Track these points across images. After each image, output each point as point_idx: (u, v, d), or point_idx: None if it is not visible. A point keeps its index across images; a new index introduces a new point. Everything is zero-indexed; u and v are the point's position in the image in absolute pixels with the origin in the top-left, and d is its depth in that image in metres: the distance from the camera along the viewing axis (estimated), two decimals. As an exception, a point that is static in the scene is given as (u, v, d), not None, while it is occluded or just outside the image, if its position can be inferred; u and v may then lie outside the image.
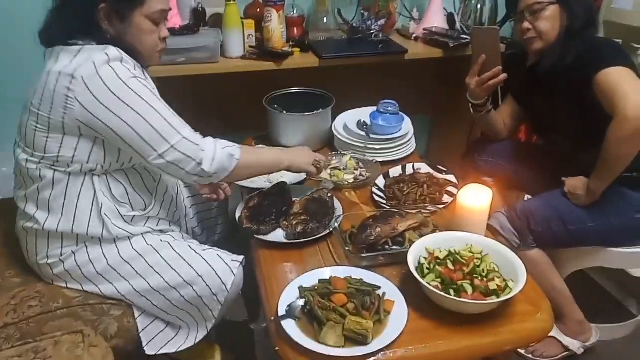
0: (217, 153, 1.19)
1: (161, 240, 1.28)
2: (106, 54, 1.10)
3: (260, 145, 1.78)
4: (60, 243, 1.22)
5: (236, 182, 1.47)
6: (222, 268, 1.24)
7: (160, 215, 1.34)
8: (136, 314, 1.26)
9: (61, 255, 1.22)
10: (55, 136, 1.14)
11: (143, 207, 1.29)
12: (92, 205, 1.20)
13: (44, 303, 1.19)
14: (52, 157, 1.16)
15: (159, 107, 1.15)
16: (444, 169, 1.65)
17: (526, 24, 1.54)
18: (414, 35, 2.22)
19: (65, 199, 1.19)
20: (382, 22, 2.15)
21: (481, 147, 1.89)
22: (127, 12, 1.15)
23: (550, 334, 1.43)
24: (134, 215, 1.26)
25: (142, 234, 1.27)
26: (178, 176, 1.21)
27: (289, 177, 1.61)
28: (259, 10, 2.05)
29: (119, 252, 1.24)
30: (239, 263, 1.27)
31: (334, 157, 1.69)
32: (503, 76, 1.58)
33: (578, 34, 1.48)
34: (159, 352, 1.27)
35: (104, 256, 1.23)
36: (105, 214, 1.21)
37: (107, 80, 1.08)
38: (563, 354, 1.64)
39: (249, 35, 1.99)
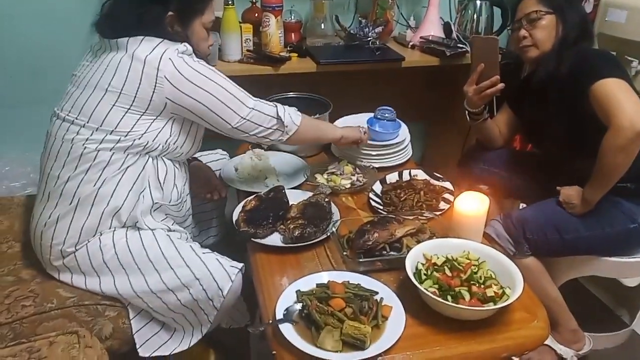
0: (286, 109, 1.37)
1: (166, 237, 1.28)
2: (185, 46, 1.23)
3: (260, 151, 1.77)
4: (79, 233, 1.24)
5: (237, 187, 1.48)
6: (220, 273, 1.23)
7: (179, 212, 1.37)
8: (131, 315, 1.25)
9: (78, 242, 1.24)
10: (136, 113, 1.21)
11: (170, 201, 1.33)
12: (135, 182, 1.25)
13: (38, 303, 1.18)
14: (121, 132, 1.21)
15: (228, 86, 1.28)
16: (440, 176, 1.66)
17: (523, 32, 1.57)
18: (410, 43, 2.24)
19: (113, 175, 1.23)
20: (379, 29, 2.16)
21: (476, 154, 1.90)
22: (190, 20, 1.28)
23: (544, 342, 1.44)
24: (161, 205, 1.30)
25: (152, 229, 1.28)
26: (259, 133, 1.34)
27: (286, 181, 1.61)
28: (256, 15, 2.06)
29: (127, 242, 1.25)
30: (238, 270, 1.26)
31: (331, 162, 1.70)
32: (500, 85, 1.60)
33: (573, 44, 1.52)
34: (153, 355, 1.26)
35: (113, 244, 1.24)
36: (144, 196, 1.26)
37: (189, 62, 1.21)
38: (556, 362, 1.65)
39: (247, 39, 1.99)
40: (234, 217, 1.42)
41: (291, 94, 1.92)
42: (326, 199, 1.47)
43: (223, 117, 1.27)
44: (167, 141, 1.27)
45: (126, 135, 1.21)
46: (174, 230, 1.33)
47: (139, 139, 1.23)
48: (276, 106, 1.36)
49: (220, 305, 1.24)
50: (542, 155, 1.81)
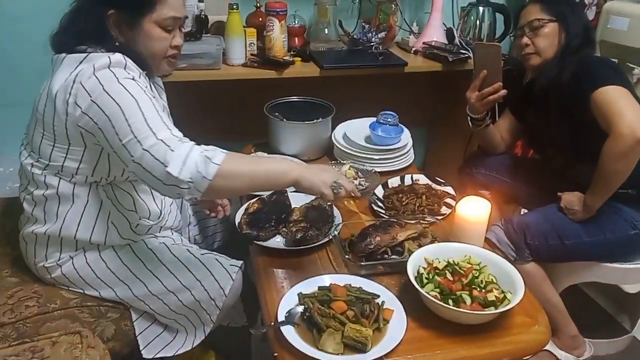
0: (190, 155, 1.00)
1: (160, 244, 1.27)
2: (109, 57, 1.07)
3: (262, 154, 1.76)
4: (59, 248, 1.21)
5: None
6: (220, 273, 1.24)
7: (166, 224, 1.34)
8: (134, 317, 1.25)
9: (59, 259, 1.22)
10: (61, 146, 1.12)
11: (148, 216, 1.28)
12: (99, 213, 1.19)
13: (42, 303, 1.19)
14: (56, 165, 1.14)
15: (145, 106, 1.03)
16: (442, 181, 1.66)
17: (525, 40, 1.58)
18: (413, 49, 2.25)
19: (71, 207, 1.18)
20: (382, 34, 2.17)
21: (478, 160, 1.91)
22: (137, 19, 1.13)
23: (544, 348, 1.44)
24: (139, 224, 1.26)
25: (143, 239, 1.27)
26: (156, 187, 1.03)
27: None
28: (260, 19, 2.07)
29: (118, 256, 1.24)
30: (238, 268, 1.27)
31: (334, 166, 1.70)
32: (503, 92, 1.60)
33: (575, 52, 1.52)
34: (156, 356, 1.26)
35: (103, 260, 1.23)
36: (113, 222, 1.21)
37: (102, 79, 1.04)
38: (557, 368, 1.65)
39: (251, 43, 2.00)
40: (237, 220, 1.42)
41: (294, 98, 1.93)
42: (328, 203, 1.47)
43: (125, 145, 1.01)
44: (110, 174, 1.16)
45: (62, 170, 1.14)
46: (165, 237, 1.33)
47: (76, 174, 1.14)
48: (185, 152, 1.00)
49: (222, 305, 1.24)
50: (544, 161, 1.81)
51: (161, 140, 1.01)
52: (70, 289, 1.25)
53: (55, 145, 1.12)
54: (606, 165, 1.36)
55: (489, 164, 1.86)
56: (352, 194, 1.18)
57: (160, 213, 1.30)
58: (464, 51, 2.12)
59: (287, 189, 1.52)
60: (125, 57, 1.10)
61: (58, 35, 1.15)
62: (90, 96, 1.04)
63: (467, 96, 1.68)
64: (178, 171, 0.98)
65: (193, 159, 1.00)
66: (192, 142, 1.04)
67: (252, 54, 2.00)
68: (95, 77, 1.04)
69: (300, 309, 1.09)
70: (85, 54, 1.09)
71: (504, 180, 1.83)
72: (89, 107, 1.04)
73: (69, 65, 1.09)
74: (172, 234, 1.38)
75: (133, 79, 1.08)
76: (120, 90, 1.04)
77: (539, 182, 1.76)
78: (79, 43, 1.12)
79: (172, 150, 1.00)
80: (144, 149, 1.00)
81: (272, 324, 1.07)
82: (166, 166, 0.99)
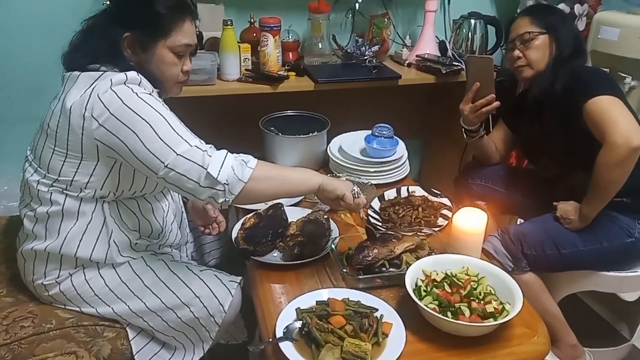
0: (227, 160, 1.09)
1: (158, 260, 1.27)
2: (125, 74, 1.10)
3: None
4: (59, 265, 1.20)
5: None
6: (219, 289, 1.23)
7: (166, 242, 1.34)
8: (130, 335, 1.24)
9: (58, 277, 1.21)
10: (73, 161, 1.13)
11: (149, 234, 1.28)
12: (101, 231, 1.19)
13: (37, 324, 1.17)
14: (65, 180, 1.14)
15: (170, 117, 1.10)
16: (438, 192, 1.67)
17: (517, 52, 1.60)
18: (407, 62, 2.26)
19: (74, 225, 1.17)
20: (375, 48, 2.19)
21: (473, 171, 1.92)
22: (151, 43, 1.16)
23: (545, 358, 1.43)
24: (139, 242, 1.25)
25: (142, 256, 1.26)
26: (190, 191, 1.09)
27: (284, 199, 1.61)
28: (255, 35, 2.09)
29: (117, 273, 1.23)
30: (237, 284, 1.26)
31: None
32: (496, 103, 1.62)
33: (566, 63, 1.54)
34: (154, 375, 1.25)
35: (101, 277, 1.22)
36: (114, 240, 1.20)
37: (120, 94, 1.07)
38: (557, 378, 1.64)
39: (245, 59, 2.01)
40: (233, 235, 1.42)
41: (289, 112, 1.94)
42: (325, 216, 1.47)
43: (154, 152, 1.06)
44: (118, 188, 1.18)
45: (71, 184, 1.14)
46: (164, 253, 1.32)
47: (85, 188, 1.15)
48: (222, 156, 1.09)
49: (221, 321, 1.23)
50: (539, 171, 1.82)
51: (195, 146, 1.08)
52: (66, 307, 1.24)
53: (66, 160, 1.13)
54: (601, 174, 1.37)
55: (484, 175, 1.87)
56: (364, 208, 1.27)
57: (162, 231, 1.30)
58: (456, 63, 2.14)
59: (282, 204, 1.52)
60: (140, 75, 1.13)
61: (70, 54, 1.18)
62: (109, 109, 1.06)
63: (460, 108, 1.69)
64: (217, 172, 1.06)
65: (229, 162, 1.08)
66: (225, 149, 1.12)
67: (246, 69, 2.01)
68: (113, 91, 1.07)
69: (299, 324, 1.08)
70: (100, 72, 1.11)
71: (499, 190, 1.84)
72: (107, 119, 1.07)
73: (83, 83, 1.11)
74: (172, 250, 1.37)
75: (150, 94, 1.12)
76: (141, 104, 1.08)
77: (534, 192, 1.77)
78: (91, 62, 1.14)
79: (210, 155, 1.08)
80: (178, 154, 1.06)
81: (270, 340, 1.07)
82: (206, 168, 1.06)
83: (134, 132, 1.06)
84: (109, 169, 1.14)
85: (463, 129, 1.75)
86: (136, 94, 1.08)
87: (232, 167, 1.08)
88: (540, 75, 1.58)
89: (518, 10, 2.39)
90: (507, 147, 1.86)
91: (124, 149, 1.08)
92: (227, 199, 1.09)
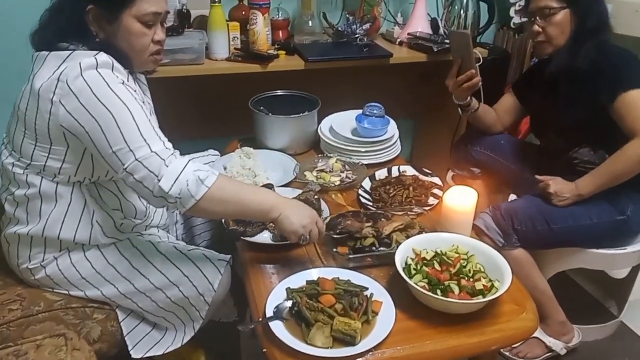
0: (183, 173, 1.04)
1: (146, 241, 1.26)
2: (95, 58, 1.05)
3: (249, 149, 1.75)
4: (43, 248, 1.19)
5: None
6: (208, 267, 1.23)
7: (152, 223, 1.32)
8: (120, 317, 1.24)
9: (43, 260, 1.20)
10: (43, 145, 1.10)
11: (134, 215, 1.26)
12: (82, 212, 1.17)
13: (25, 306, 1.16)
14: (38, 165, 1.12)
15: (138, 115, 1.05)
16: (429, 171, 1.66)
17: (536, 28, 1.53)
18: (398, 40, 2.24)
19: (54, 207, 1.15)
20: (366, 26, 2.16)
21: (474, 137, 1.88)
22: (116, 14, 1.10)
23: (533, 335, 1.45)
24: (124, 222, 1.24)
25: (128, 237, 1.25)
26: (145, 197, 1.07)
27: (275, 179, 1.60)
28: (243, 12, 2.05)
29: (103, 256, 1.22)
30: (226, 262, 1.26)
31: (320, 159, 1.70)
32: (476, 79, 1.61)
33: (589, 38, 1.48)
34: (145, 356, 1.25)
35: (88, 260, 1.21)
36: (97, 221, 1.19)
37: (90, 82, 1.03)
38: (546, 355, 1.66)
39: (234, 37, 1.98)
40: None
41: (279, 92, 1.91)
42: (316, 196, 1.46)
43: (115, 152, 1.03)
44: (94, 174, 1.14)
45: (44, 169, 1.12)
46: (151, 234, 1.31)
47: (59, 174, 1.12)
48: (180, 167, 1.04)
49: (211, 300, 1.23)
50: (542, 144, 1.80)
51: (155, 152, 1.04)
52: (54, 290, 1.23)
53: (37, 144, 1.10)
54: (623, 164, 1.39)
55: (484, 142, 1.84)
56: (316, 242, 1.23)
57: (147, 211, 1.29)
58: (448, 41, 2.12)
59: (273, 184, 1.52)
60: (111, 57, 1.08)
61: (38, 33, 1.13)
62: (78, 98, 1.03)
63: (446, 84, 1.68)
64: (169, 186, 1.03)
65: (185, 177, 1.04)
66: (186, 158, 1.07)
67: (235, 48, 1.98)
68: (83, 78, 1.03)
69: (289, 303, 1.09)
70: (69, 52, 1.07)
71: (497, 159, 1.81)
72: (76, 109, 1.03)
73: (52, 63, 1.06)
74: (159, 231, 1.36)
75: (122, 83, 1.07)
76: (111, 96, 1.04)
77: (532, 164, 1.75)
78: (60, 40, 1.10)
79: (167, 165, 1.03)
80: (137, 159, 1.02)
81: (260, 319, 1.07)
82: (159, 180, 1.02)
83: (99, 125, 1.03)
84: (81, 155, 1.11)
85: (457, 104, 1.74)
86: (107, 83, 1.04)
87: (186, 182, 1.03)
88: (559, 51, 1.52)
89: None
90: (512, 117, 1.82)
91: (88, 140, 1.05)
92: (179, 210, 1.08)
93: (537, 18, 1.52)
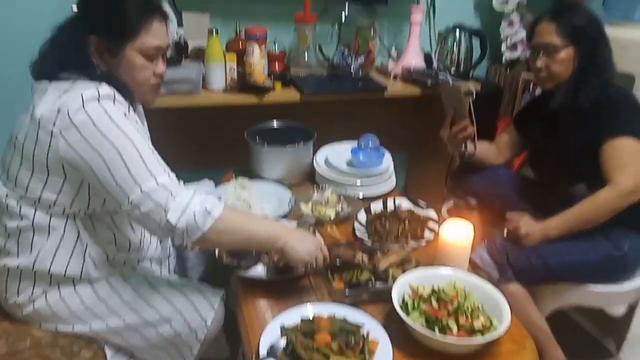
0: (190, 205, 1.04)
1: (138, 275, 1.23)
2: (97, 90, 1.04)
3: (244, 179, 1.74)
4: (32, 282, 1.15)
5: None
6: (201, 302, 1.20)
7: (146, 256, 1.30)
8: (109, 355, 1.20)
9: (32, 294, 1.16)
10: (40, 176, 1.08)
11: (128, 248, 1.23)
12: (75, 245, 1.15)
13: (11, 343, 1.13)
14: (33, 196, 1.10)
15: (142, 147, 1.04)
16: (425, 205, 1.66)
17: (539, 63, 1.52)
18: (393, 73, 2.27)
19: (47, 239, 1.13)
20: (361, 59, 2.19)
21: (471, 168, 1.85)
22: (119, 47, 1.10)
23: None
24: (117, 256, 1.21)
25: (120, 272, 1.22)
26: (150, 230, 1.08)
27: (270, 210, 1.59)
28: (241, 44, 2.07)
29: (93, 290, 1.18)
30: (220, 297, 1.23)
31: (316, 191, 1.69)
32: (470, 130, 1.61)
33: (592, 76, 1.48)
34: (133, 395, 1.21)
35: (78, 294, 1.17)
36: (90, 254, 1.16)
37: (93, 115, 1.02)
38: (544, 393, 1.63)
39: (231, 68, 2.00)
40: (217, 249, 1.39)
41: (275, 123, 1.92)
42: (311, 229, 1.45)
43: (120, 184, 1.02)
44: (89, 207, 1.13)
45: (39, 201, 1.10)
46: (143, 267, 1.28)
47: (54, 205, 1.10)
48: (187, 199, 1.04)
49: (203, 338, 1.20)
50: (537, 178, 1.80)
51: (162, 184, 1.03)
52: (42, 326, 1.19)
53: (33, 175, 1.08)
54: (593, 209, 1.41)
55: (481, 173, 1.82)
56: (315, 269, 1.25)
57: (140, 244, 1.27)
58: (442, 76, 2.14)
59: (269, 216, 1.50)
60: (113, 89, 1.07)
61: (38, 63, 1.13)
62: (80, 132, 1.01)
63: (441, 135, 1.68)
64: (176, 219, 1.02)
65: (193, 209, 1.04)
66: (192, 188, 1.08)
67: (232, 80, 1.99)
68: (85, 111, 1.02)
69: (283, 342, 1.06)
70: (69, 81, 1.06)
71: (495, 190, 1.80)
72: (78, 142, 1.02)
73: (52, 93, 1.05)
74: (152, 265, 1.34)
75: (125, 114, 1.06)
76: (114, 130, 1.03)
77: (529, 197, 1.74)
78: (60, 70, 1.09)
79: (174, 198, 1.03)
80: (143, 191, 1.02)
81: (254, 359, 1.04)
82: (167, 212, 1.02)
83: (103, 159, 1.02)
84: (78, 186, 1.10)
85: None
86: (110, 116, 1.03)
87: (194, 214, 1.03)
88: (561, 88, 1.52)
89: (502, 22, 2.41)
90: (512, 152, 1.82)
91: (89, 173, 1.04)
92: (185, 242, 1.08)
93: (541, 54, 1.53)
